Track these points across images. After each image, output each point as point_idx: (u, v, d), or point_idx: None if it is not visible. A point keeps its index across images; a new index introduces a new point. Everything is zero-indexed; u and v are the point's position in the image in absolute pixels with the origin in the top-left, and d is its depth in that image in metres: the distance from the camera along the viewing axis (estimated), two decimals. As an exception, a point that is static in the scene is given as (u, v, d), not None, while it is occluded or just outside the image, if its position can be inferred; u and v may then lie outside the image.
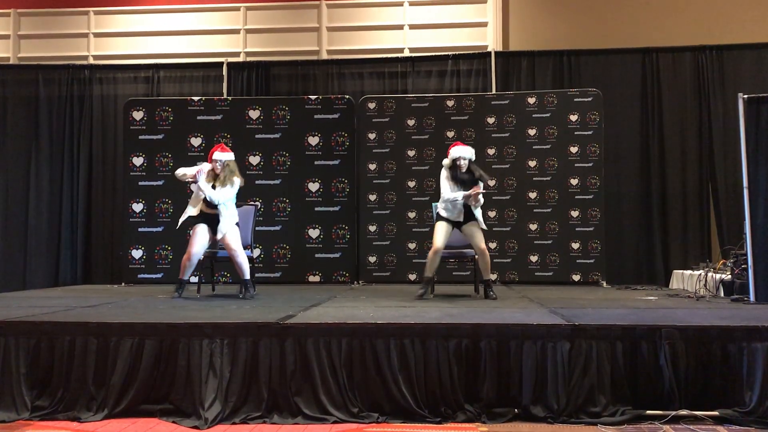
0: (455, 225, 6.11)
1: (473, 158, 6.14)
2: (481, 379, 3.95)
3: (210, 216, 6.07)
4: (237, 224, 6.21)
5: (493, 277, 8.20)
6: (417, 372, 3.96)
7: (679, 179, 8.68)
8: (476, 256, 6.19)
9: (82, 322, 4.19)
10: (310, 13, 9.53)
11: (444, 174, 6.15)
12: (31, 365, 4.08)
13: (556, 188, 8.34)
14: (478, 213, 6.10)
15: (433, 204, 7.07)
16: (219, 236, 6.03)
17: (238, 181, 6.14)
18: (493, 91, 8.81)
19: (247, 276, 6.19)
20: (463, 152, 6.06)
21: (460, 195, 6.01)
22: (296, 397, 3.95)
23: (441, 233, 6.05)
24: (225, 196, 6.04)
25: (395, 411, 3.91)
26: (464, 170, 6.06)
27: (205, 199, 6.05)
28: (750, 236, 5.68)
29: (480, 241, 6.07)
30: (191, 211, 6.09)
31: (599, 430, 3.71)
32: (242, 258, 6.15)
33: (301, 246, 8.42)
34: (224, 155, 6.07)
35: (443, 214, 6.12)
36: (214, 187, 6.02)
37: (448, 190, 6.08)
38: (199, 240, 6.06)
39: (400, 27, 9.41)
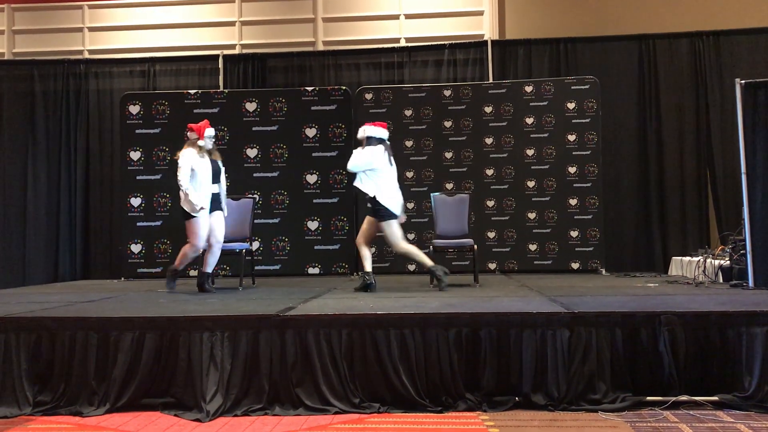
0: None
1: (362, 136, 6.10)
2: (482, 368, 3.97)
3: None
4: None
5: (493, 266, 8.27)
6: (417, 362, 3.97)
7: (677, 166, 8.67)
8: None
9: (82, 317, 4.20)
10: (306, 4, 9.49)
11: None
12: (32, 361, 4.09)
13: (554, 177, 8.33)
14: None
15: (432, 195, 7.07)
16: (225, 213, 6.18)
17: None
18: (490, 80, 8.79)
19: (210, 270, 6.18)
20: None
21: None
22: (297, 388, 3.97)
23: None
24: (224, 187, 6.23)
25: (396, 401, 3.92)
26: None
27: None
28: (748, 222, 5.69)
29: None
30: (202, 201, 5.89)
31: (600, 417, 3.73)
32: (219, 251, 6.17)
33: (300, 238, 8.42)
34: (213, 130, 6.13)
35: (391, 207, 5.95)
36: (209, 155, 6.01)
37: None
38: (207, 230, 5.98)
39: (395, 17, 9.38)
